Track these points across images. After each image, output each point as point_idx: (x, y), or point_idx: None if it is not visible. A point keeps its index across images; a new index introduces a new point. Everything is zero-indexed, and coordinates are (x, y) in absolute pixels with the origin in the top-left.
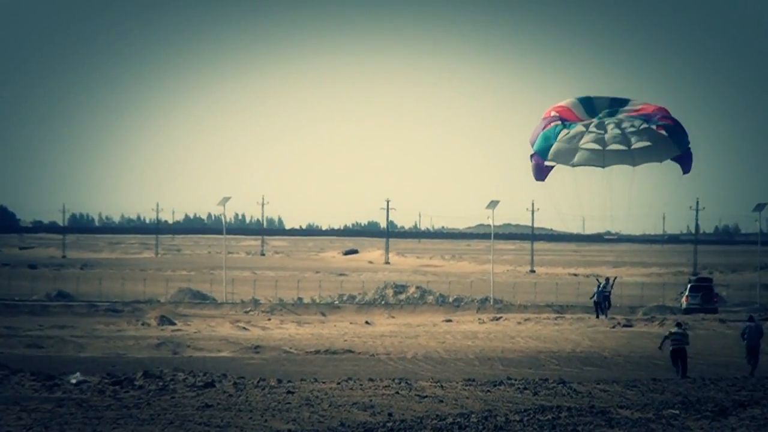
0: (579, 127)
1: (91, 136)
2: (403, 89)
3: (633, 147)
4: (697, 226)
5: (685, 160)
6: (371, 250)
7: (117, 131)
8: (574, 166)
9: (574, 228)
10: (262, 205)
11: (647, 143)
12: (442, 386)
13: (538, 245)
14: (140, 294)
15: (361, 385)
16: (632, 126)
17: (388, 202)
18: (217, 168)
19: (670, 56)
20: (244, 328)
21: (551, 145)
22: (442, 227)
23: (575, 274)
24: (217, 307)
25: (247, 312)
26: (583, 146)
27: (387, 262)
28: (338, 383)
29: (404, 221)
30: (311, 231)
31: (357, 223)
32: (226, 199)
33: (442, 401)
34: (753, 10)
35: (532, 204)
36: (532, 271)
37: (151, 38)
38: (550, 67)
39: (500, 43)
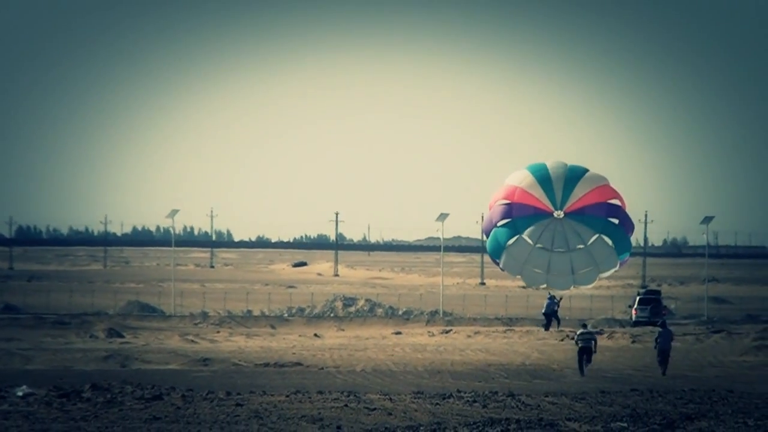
0: (526, 241)
1: (38, 147)
2: (352, 102)
3: (576, 272)
4: (645, 239)
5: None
6: (320, 263)
7: (64, 143)
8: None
9: None
10: (211, 217)
11: (589, 268)
12: (391, 399)
13: (488, 258)
14: (88, 306)
15: (310, 397)
16: (580, 241)
17: (337, 214)
18: (166, 180)
19: (619, 65)
20: (193, 340)
21: (501, 251)
22: (392, 240)
23: (525, 287)
24: (165, 319)
25: (196, 324)
26: (530, 267)
27: (336, 275)
28: (287, 396)
29: (354, 234)
30: (260, 243)
31: (306, 235)
32: (174, 212)
33: (391, 414)
34: (703, 22)
35: (482, 217)
36: (482, 284)
37: (98, 51)
38: (500, 81)
39: (450, 56)
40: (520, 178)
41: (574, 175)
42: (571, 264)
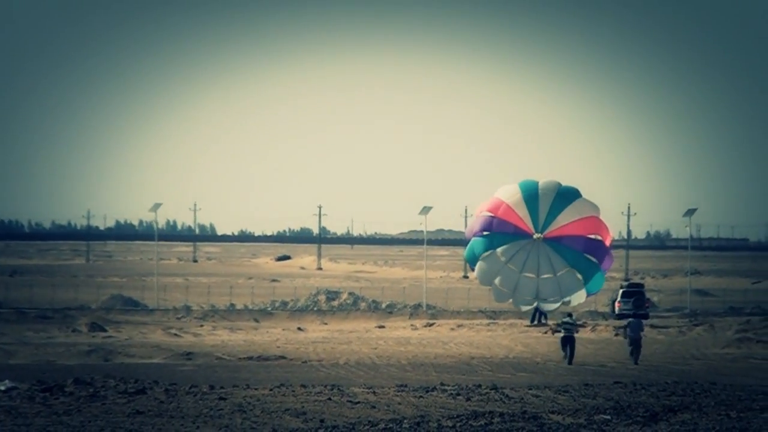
0: (498, 258)
1: (19, 141)
2: (334, 94)
3: (540, 298)
4: (629, 232)
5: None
6: (304, 256)
7: (46, 137)
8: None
9: None
10: (194, 211)
11: (553, 297)
12: (374, 392)
13: None
14: (71, 301)
15: (294, 391)
16: (550, 270)
17: (320, 207)
18: (149, 174)
19: (602, 57)
20: (176, 334)
21: (476, 261)
22: (375, 233)
23: None
24: (148, 313)
25: (179, 318)
26: (498, 284)
27: (319, 268)
28: (271, 389)
29: (337, 227)
30: (244, 237)
31: (289, 229)
32: (157, 206)
33: (374, 407)
34: (691, 15)
35: (465, 210)
36: (465, 277)
37: (81, 47)
38: (481, 74)
39: (432, 51)
40: (509, 193)
41: (564, 200)
42: (537, 290)
